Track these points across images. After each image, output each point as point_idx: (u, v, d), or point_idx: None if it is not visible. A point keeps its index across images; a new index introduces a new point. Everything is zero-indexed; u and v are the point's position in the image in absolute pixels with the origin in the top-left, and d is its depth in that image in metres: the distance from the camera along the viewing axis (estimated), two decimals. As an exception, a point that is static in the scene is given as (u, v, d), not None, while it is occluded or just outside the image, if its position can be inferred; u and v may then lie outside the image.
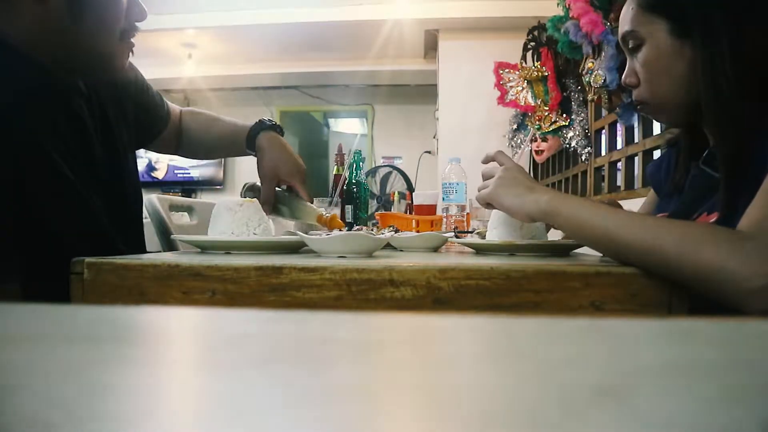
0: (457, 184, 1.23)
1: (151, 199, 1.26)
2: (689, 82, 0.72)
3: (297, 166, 1.05)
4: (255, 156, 1.07)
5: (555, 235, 0.94)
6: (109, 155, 0.83)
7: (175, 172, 5.32)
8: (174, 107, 1.14)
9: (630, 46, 0.78)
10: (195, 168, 5.31)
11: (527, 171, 3.42)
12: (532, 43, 2.91)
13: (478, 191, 0.80)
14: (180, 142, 1.16)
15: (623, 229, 0.60)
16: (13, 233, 0.65)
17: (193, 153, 1.19)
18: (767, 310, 0.52)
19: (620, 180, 2.22)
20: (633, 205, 1.92)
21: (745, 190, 0.66)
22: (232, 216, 0.77)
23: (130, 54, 0.81)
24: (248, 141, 1.08)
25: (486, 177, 0.79)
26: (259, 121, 1.09)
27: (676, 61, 0.73)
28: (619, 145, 2.26)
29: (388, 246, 0.92)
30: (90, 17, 0.73)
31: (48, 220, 0.69)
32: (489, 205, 0.78)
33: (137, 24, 0.81)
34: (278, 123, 1.11)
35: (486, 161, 0.83)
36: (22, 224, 0.66)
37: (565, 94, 2.73)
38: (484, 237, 0.88)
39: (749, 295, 0.52)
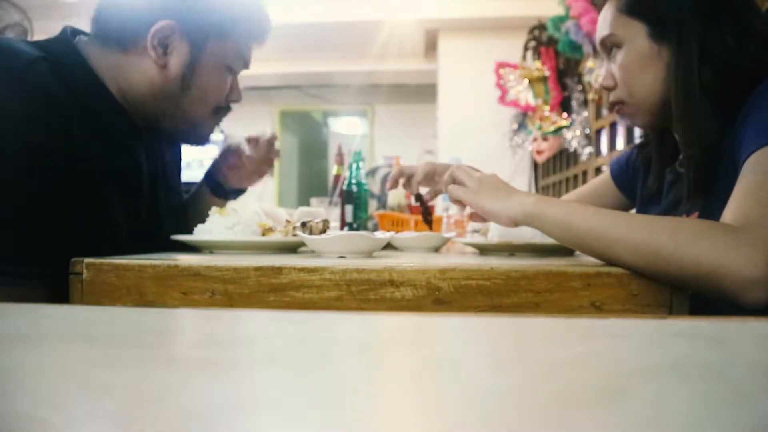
0: (457, 183, 1.23)
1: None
2: (665, 84, 0.75)
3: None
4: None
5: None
6: (153, 199, 0.87)
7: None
8: None
9: (609, 49, 0.80)
10: (199, 168, 5.30)
11: (527, 171, 3.38)
12: (533, 43, 2.92)
13: (448, 187, 0.77)
14: None
15: (614, 228, 0.59)
16: (38, 240, 0.64)
17: None
18: (765, 303, 0.52)
19: (620, 180, 2.22)
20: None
21: (714, 184, 0.68)
22: (213, 217, 0.79)
23: (216, 128, 0.86)
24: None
25: (456, 180, 0.77)
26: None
27: (653, 63, 0.75)
28: (619, 145, 2.25)
29: (388, 246, 0.92)
30: (197, 89, 0.78)
31: (76, 236, 0.69)
32: (458, 203, 0.77)
33: (232, 104, 0.86)
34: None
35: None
36: (47, 233, 0.65)
37: (565, 93, 2.73)
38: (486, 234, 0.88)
39: (748, 286, 0.52)
